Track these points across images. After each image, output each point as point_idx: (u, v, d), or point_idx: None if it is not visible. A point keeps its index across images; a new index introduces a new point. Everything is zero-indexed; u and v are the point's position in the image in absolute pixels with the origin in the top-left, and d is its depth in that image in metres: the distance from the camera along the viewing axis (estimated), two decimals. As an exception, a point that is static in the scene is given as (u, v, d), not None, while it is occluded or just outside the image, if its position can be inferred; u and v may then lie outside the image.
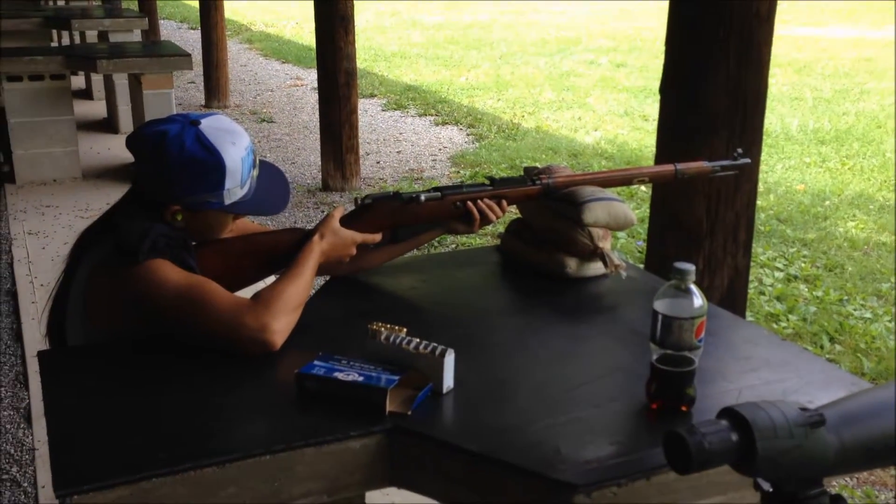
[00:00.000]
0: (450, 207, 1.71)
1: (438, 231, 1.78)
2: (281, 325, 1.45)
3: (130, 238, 1.48)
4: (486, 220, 1.73)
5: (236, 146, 1.55)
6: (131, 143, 1.59)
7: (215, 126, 1.56)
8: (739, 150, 1.88)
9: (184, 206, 1.56)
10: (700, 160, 1.88)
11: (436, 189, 1.72)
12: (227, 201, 1.56)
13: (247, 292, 1.54)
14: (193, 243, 1.59)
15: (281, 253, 1.60)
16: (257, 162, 1.62)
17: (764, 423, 0.88)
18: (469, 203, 1.71)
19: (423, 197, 1.69)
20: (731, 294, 2.64)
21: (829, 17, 16.18)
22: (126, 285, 1.49)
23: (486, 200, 1.71)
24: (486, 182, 1.75)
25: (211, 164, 1.52)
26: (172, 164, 1.51)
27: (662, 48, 2.60)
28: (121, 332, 1.52)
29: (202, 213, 1.58)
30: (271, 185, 1.66)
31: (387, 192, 1.70)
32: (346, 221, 1.67)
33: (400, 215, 1.70)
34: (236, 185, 1.56)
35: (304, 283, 1.53)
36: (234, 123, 1.61)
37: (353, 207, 1.72)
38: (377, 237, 1.68)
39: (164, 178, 1.53)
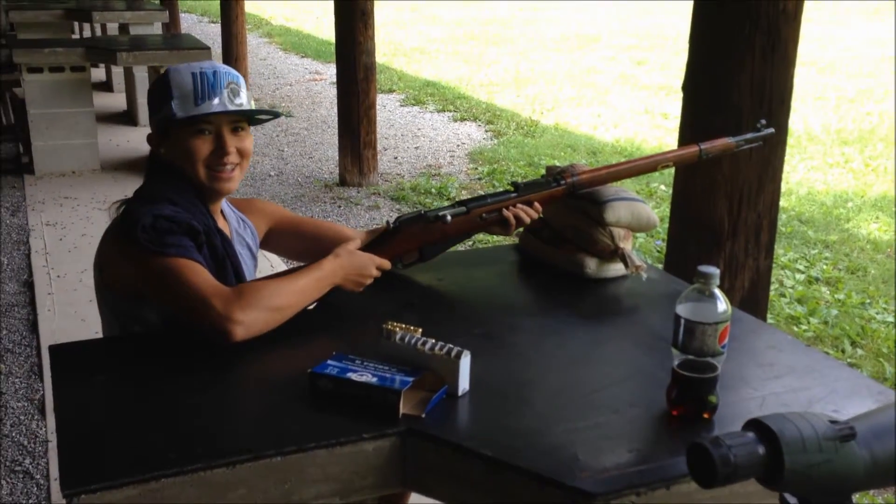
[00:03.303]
0: (476, 220, 1.70)
1: (469, 236, 1.76)
2: (248, 318, 1.40)
3: (131, 216, 1.50)
4: (521, 223, 1.72)
5: (191, 64, 1.60)
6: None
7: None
8: (763, 121, 1.82)
9: (155, 129, 1.63)
10: (723, 137, 1.82)
11: (461, 203, 1.70)
12: (181, 112, 1.56)
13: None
14: (216, 230, 1.61)
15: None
16: (234, 88, 1.59)
17: (792, 436, 0.84)
18: (504, 210, 1.69)
19: (449, 217, 1.66)
20: (752, 296, 2.59)
21: (853, 16, 15.99)
22: (122, 259, 1.53)
23: (519, 205, 1.70)
24: (510, 189, 1.73)
25: (160, 80, 1.61)
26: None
27: (684, 45, 2.56)
28: (129, 301, 1.54)
29: (173, 137, 1.61)
30: None
31: (414, 213, 1.69)
32: (374, 246, 1.66)
33: (427, 234, 1.68)
34: (186, 96, 1.56)
35: (295, 287, 1.50)
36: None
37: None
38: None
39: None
